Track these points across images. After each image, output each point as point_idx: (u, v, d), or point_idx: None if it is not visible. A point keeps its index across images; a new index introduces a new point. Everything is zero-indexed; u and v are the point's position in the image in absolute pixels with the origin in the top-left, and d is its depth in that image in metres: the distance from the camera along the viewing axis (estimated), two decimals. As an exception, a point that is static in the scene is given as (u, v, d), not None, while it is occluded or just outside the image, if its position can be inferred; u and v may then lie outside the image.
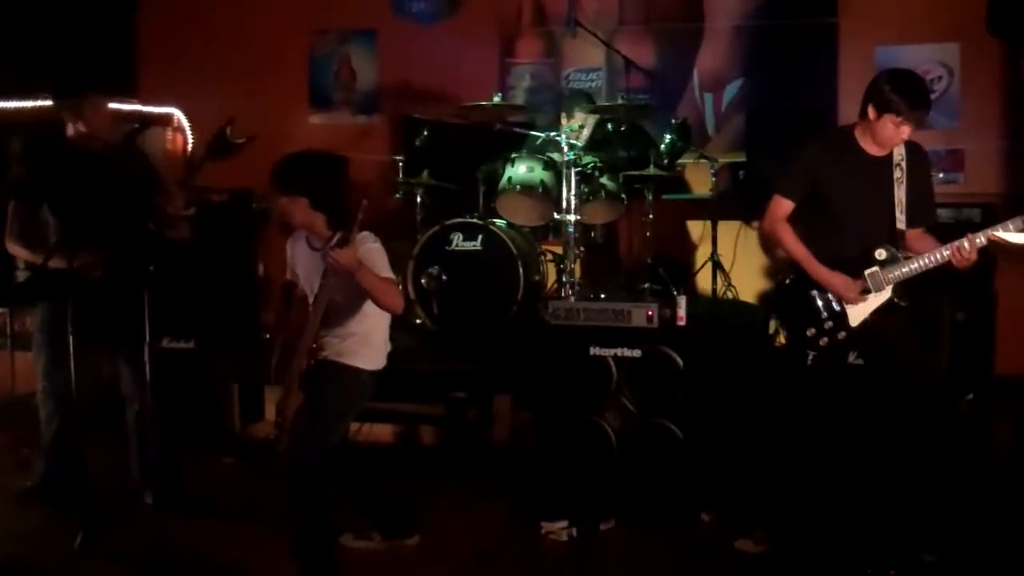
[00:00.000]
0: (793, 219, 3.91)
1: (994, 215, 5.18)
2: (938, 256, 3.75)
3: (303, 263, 3.78)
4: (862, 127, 3.82)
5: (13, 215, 4.36)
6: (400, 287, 5.08)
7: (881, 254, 3.79)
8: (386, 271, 3.62)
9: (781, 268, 4.13)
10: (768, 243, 5.51)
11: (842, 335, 3.85)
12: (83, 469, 4.40)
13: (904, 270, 3.79)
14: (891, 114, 3.68)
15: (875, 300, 3.82)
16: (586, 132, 5.91)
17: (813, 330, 3.87)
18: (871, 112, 3.73)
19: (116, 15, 7.46)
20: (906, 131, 3.72)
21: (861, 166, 3.83)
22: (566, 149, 5.57)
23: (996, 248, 3.74)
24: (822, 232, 3.88)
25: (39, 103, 5.93)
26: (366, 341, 3.73)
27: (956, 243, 3.70)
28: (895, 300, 3.82)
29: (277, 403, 3.74)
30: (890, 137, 3.75)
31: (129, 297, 3.91)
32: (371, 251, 3.59)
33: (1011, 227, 3.64)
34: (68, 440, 4.40)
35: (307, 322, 3.64)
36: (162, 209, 4.30)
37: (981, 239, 3.67)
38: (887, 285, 3.80)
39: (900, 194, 3.81)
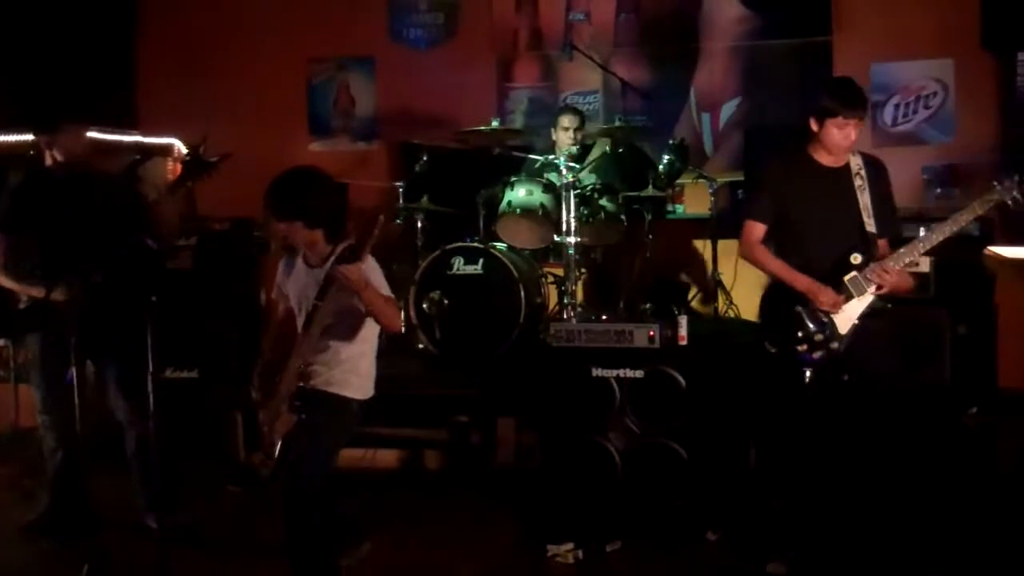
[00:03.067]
0: (766, 240, 3.99)
1: (991, 229, 5.19)
2: (915, 250, 3.80)
3: (297, 281, 3.72)
4: (813, 142, 3.93)
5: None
6: (401, 309, 5.05)
7: (856, 258, 3.84)
8: (385, 290, 3.59)
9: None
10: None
11: (835, 345, 3.85)
12: (86, 501, 4.40)
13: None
14: (830, 118, 3.80)
15: (859, 305, 3.85)
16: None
17: (805, 346, 3.87)
18: (814, 124, 3.86)
19: (115, 46, 7.51)
20: (851, 132, 3.82)
21: (820, 178, 3.92)
22: (564, 171, 5.60)
23: (993, 264, 3.76)
24: (794, 248, 3.95)
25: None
26: (354, 370, 3.66)
27: (878, 265, 3.79)
28: (878, 303, 3.84)
29: (262, 425, 3.62)
30: (838, 143, 3.84)
31: (124, 324, 3.90)
32: (370, 269, 3.54)
33: (921, 247, 3.78)
34: (72, 472, 4.39)
35: (295, 342, 3.56)
36: (156, 228, 4.26)
37: (896, 263, 3.79)
38: (868, 288, 3.82)
39: (864, 199, 3.89)
